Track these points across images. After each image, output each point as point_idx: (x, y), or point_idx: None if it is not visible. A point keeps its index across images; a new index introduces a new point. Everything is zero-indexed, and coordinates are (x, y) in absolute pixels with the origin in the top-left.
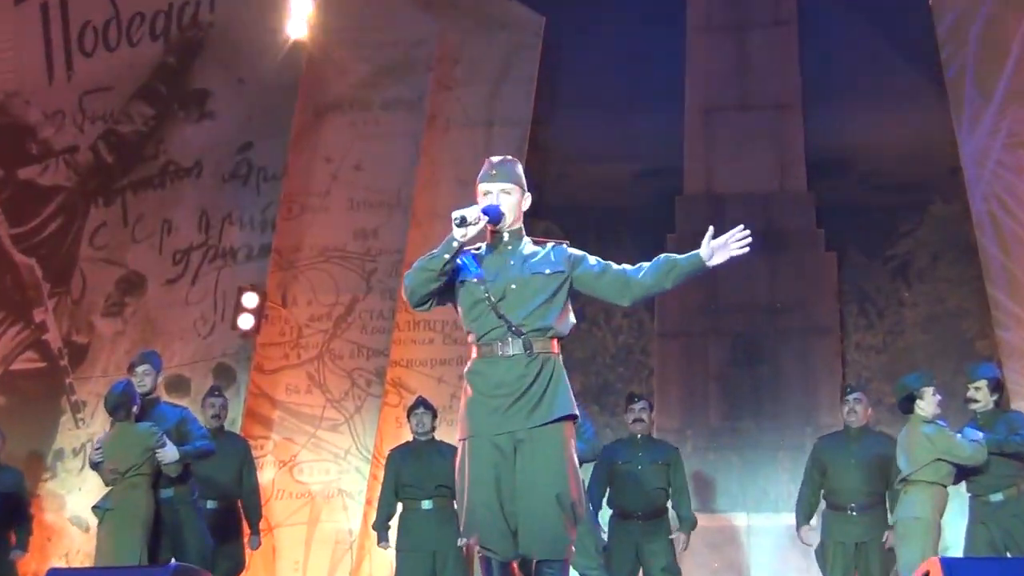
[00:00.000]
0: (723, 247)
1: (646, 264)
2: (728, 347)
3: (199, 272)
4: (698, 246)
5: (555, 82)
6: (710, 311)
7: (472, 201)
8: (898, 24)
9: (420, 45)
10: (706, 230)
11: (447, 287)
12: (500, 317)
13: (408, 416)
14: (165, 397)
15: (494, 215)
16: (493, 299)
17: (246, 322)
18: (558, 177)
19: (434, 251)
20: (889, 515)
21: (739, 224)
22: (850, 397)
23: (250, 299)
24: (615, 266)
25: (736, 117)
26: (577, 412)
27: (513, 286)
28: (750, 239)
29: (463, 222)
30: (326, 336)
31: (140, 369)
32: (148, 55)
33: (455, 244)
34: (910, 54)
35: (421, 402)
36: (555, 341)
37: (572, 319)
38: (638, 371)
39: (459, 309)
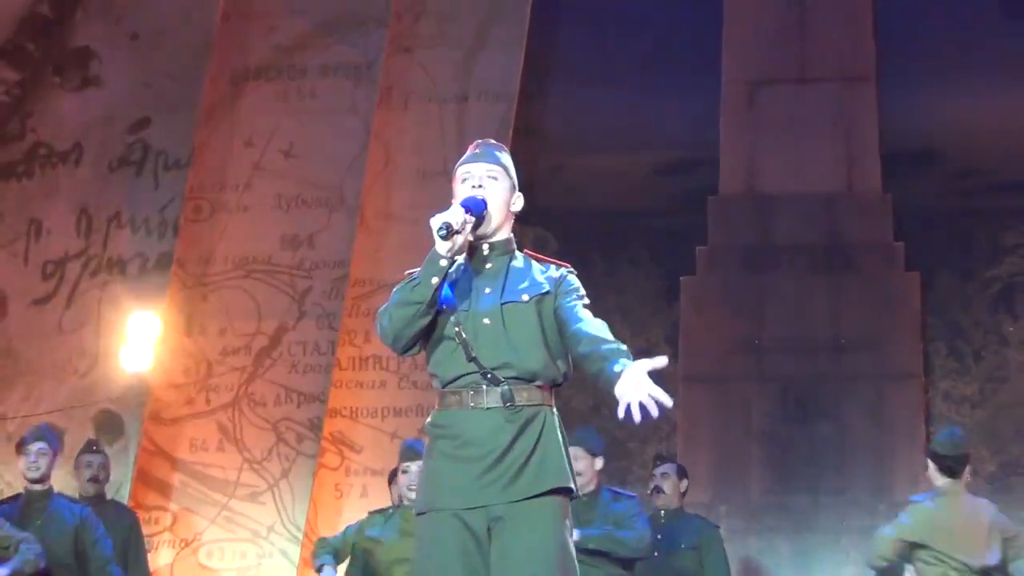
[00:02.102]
0: (636, 387)
1: (592, 328)
2: (776, 396)
3: (77, 289)
4: (740, 261)
5: (550, 45)
6: (753, 349)
7: (445, 198)
8: None
9: None
10: (748, 240)
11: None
12: (471, 360)
13: (391, 481)
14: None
15: (476, 209)
16: (464, 335)
17: (138, 356)
18: (553, 171)
19: (414, 276)
20: None
21: (793, 235)
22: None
23: (144, 326)
24: (588, 317)
25: (790, 93)
26: (573, 485)
27: (486, 320)
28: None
29: (449, 231)
30: (244, 376)
31: (35, 448)
32: (13, 2)
33: (442, 263)
34: (1019, 14)
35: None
36: (546, 390)
37: (568, 360)
38: (656, 427)
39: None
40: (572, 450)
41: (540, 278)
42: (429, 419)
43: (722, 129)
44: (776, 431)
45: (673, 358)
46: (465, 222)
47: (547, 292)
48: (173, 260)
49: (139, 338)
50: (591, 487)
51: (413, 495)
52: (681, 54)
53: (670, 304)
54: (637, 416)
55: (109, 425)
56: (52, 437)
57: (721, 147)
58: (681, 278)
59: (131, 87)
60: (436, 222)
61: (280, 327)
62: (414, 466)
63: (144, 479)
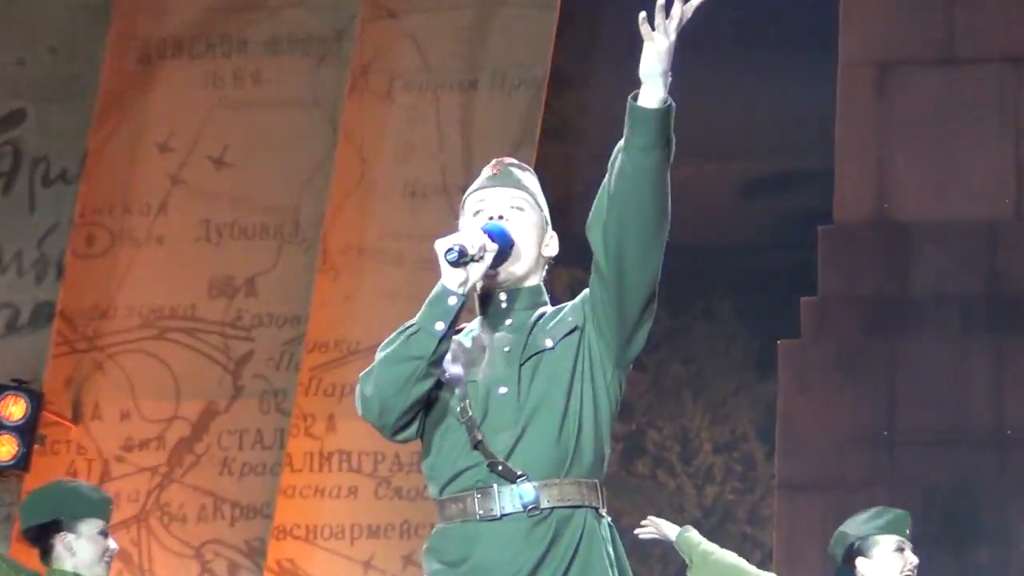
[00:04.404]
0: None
1: None
2: (915, 510)
3: None
4: (864, 318)
5: (595, 11)
6: (881, 442)
7: (445, 226)
8: None
9: None
10: (876, 288)
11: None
12: (477, 446)
13: None
14: None
15: (500, 237)
16: (471, 412)
17: (3, 450)
18: (597, 187)
19: (411, 324)
20: None
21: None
22: None
23: (12, 407)
24: None
25: (934, 80)
26: None
27: (502, 389)
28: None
29: (461, 256)
30: (155, 479)
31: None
32: None
33: (452, 301)
34: None
35: None
36: (585, 484)
37: (606, 442)
38: (744, 554)
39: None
40: None
41: (570, 314)
42: (427, 542)
43: (838, 129)
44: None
45: (767, 456)
46: (484, 249)
47: (576, 328)
48: (56, 313)
49: (5, 424)
50: None
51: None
52: (782, 26)
53: (762, 379)
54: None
55: None
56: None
57: (837, 155)
58: (779, 342)
59: None
60: (443, 244)
61: (208, 409)
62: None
63: None
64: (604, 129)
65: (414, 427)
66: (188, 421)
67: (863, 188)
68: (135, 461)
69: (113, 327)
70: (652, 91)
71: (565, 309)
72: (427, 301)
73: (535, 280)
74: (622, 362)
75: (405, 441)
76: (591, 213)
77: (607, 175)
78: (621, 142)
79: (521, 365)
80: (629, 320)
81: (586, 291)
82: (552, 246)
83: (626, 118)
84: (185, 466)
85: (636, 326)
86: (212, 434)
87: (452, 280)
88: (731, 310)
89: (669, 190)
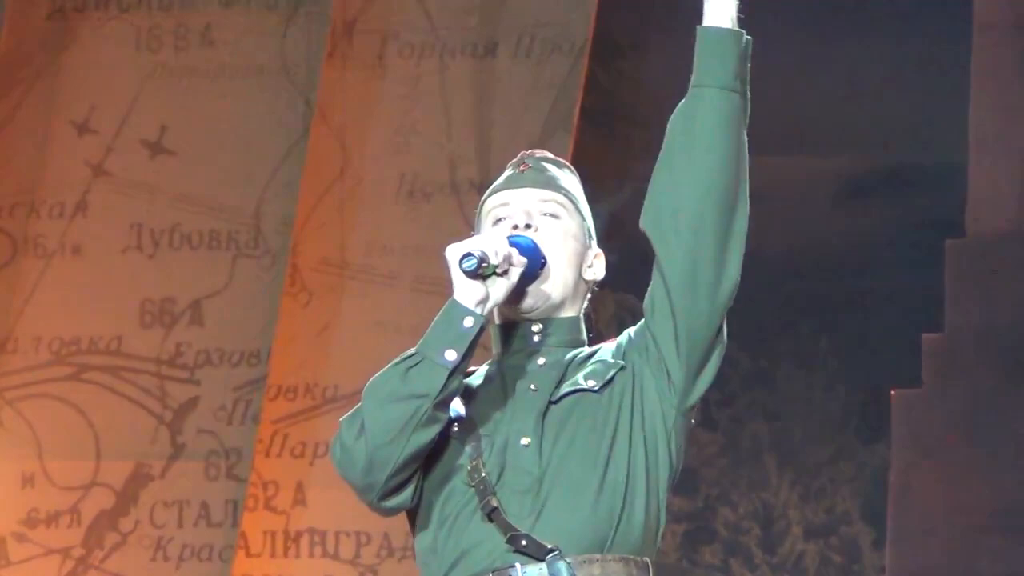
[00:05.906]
0: None
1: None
2: None
3: None
4: (1005, 362)
5: None
6: (1004, 526)
7: (453, 233)
8: None
9: None
10: (1021, 319)
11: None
12: (491, 515)
13: None
14: None
15: (529, 251)
16: (483, 472)
17: None
18: None
19: (412, 353)
20: None
21: None
22: None
23: None
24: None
25: None
26: None
27: (524, 440)
28: None
29: (481, 265)
30: (66, 564)
31: None
32: None
33: (468, 323)
34: None
35: None
36: (638, 565)
37: (662, 510)
38: None
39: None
40: None
41: (607, 356)
42: None
43: (972, 114)
44: None
45: (875, 543)
46: (510, 262)
47: (623, 367)
48: None
49: None
50: None
51: None
52: None
53: (869, 440)
54: None
55: None
56: None
57: (970, 147)
58: (892, 391)
59: None
60: (458, 250)
61: (137, 472)
62: None
63: None
64: (665, 111)
65: (409, 490)
66: (111, 489)
67: (1004, 190)
68: (41, 540)
69: (13, 364)
70: (721, 5)
71: (603, 347)
72: (433, 323)
73: (573, 310)
74: (685, 403)
75: (396, 510)
76: (648, 197)
77: (665, 145)
78: (683, 100)
79: (553, 404)
80: (701, 339)
81: (629, 329)
82: (597, 267)
83: (695, 53)
84: (107, 548)
85: (709, 349)
86: (143, 506)
87: (468, 295)
88: (829, 348)
89: (748, 160)
